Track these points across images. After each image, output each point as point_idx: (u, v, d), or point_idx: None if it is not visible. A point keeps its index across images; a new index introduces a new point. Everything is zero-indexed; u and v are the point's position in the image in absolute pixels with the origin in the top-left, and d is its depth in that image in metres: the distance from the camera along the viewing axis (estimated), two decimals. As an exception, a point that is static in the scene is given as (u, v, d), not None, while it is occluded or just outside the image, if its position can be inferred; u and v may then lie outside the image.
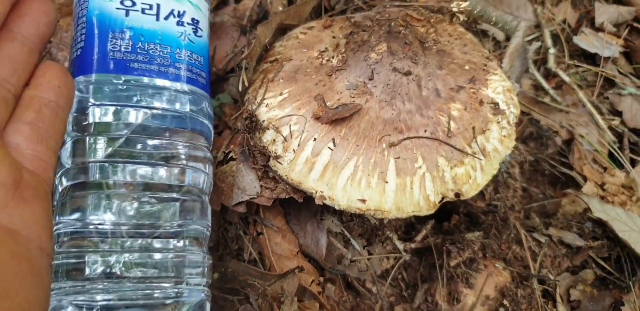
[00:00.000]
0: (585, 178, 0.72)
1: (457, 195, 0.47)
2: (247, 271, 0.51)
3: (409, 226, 0.63)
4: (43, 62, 0.42)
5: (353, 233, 0.57)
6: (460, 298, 0.58)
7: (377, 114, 0.46)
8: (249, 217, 0.54)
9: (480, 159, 0.47)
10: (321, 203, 0.46)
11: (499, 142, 0.49)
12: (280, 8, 0.58)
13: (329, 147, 0.45)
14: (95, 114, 0.44)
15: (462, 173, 0.47)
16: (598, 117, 0.80)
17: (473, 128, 0.47)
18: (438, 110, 0.47)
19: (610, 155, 0.77)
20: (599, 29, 0.91)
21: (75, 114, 0.44)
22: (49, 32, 0.42)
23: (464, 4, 0.52)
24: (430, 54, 0.48)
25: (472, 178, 0.47)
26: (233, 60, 0.57)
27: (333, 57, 0.49)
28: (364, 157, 0.45)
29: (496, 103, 0.49)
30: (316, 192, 0.46)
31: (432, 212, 0.47)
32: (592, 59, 0.88)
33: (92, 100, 0.44)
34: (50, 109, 0.39)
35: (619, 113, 0.82)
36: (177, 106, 0.46)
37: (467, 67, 0.49)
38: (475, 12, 0.57)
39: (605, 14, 0.91)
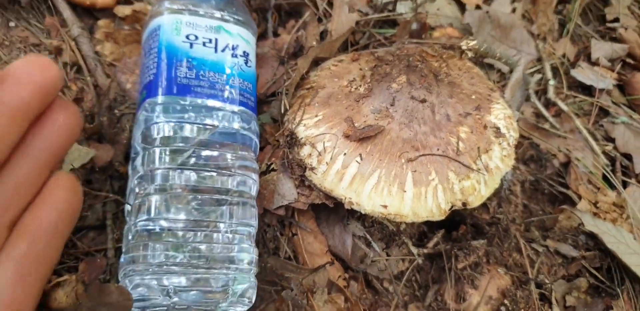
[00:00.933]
0: (580, 197, 0.80)
1: (464, 204, 0.56)
2: (284, 266, 0.60)
3: (422, 234, 0.72)
4: (55, 174, 0.38)
5: (374, 237, 0.65)
6: (466, 297, 0.66)
7: (397, 134, 0.55)
8: (285, 220, 0.63)
9: (484, 174, 0.56)
10: (349, 208, 0.54)
11: (500, 160, 0.57)
12: (314, 43, 0.68)
13: (356, 161, 0.54)
14: (162, 129, 0.53)
15: (468, 185, 0.55)
16: (593, 142, 0.88)
17: (478, 148, 0.56)
18: (449, 133, 0.56)
19: (604, 177, 0.85)
20: (595, 63, 1.00)
21: (144, 130, 0.54)
22: (68, 146, 0.39)
23: (472, 43, 0.61)
24: (443, 85, 0.58)
25: (477, 190, 0.56)
26: (273, 86, 0.67)
27: (360, 86, 0.58)
28: (386, 169, 0.54)
29: (498, 128, 0.58)
30: (345, 198, 0.54)
31: (443, 217, 0.55)
32: (588, 90, 0.97)
33: (161, 118, 0.54)
34: (45, 238, 0.36)
35: (612, 140, 0.91)
36: (231, 124, 0.55)
37: (473, 97, 0.59)
38: (482, 49, 0.66)
39: (600, 50, 1.01)
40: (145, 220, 0.50)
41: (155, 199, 0.51)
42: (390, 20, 0.78)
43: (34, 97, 0.36)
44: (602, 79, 0.97)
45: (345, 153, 0.55)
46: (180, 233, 0.49)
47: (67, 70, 0.64)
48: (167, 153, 0.52)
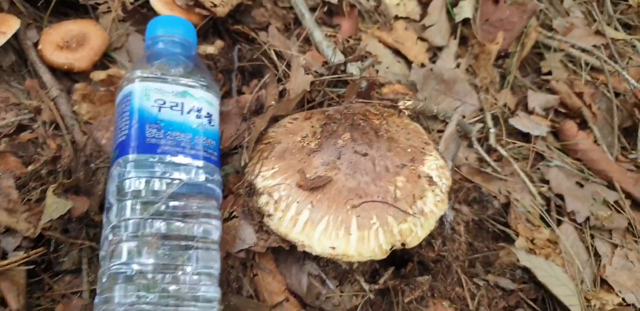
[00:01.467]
0: (518, 234, 0.88)
1: (403, 244, 0.63)
2: (246, 304, 0.66)
3: (374, 271, 0.78)
4: None
5: (329, 276, 0.72)
6: (413, 330, 0.72)
7: (344, 184, 0.63)
8: (247, 262, 0.69)
9: (420, 218, 0.64)
10: (302, 250, 0.61)
11: (434, 205, 0.66)
12: (273, 102, 0.77)
13: (308, 208, 0.62)
14: (134, 184, 0.60)
15: (406, 228, 0.63)
16: (530, 184, 0.98)
17: (413, 195, 0.64)
18: (387, 182, 0.64)
19: (541, 216, 0.95)
20: (531, 112, 1.11)
21: (117, 184, 0.60)
22: None
23: (408, 103, 0.71)
24: (382, 140, 0.67)
25: (414, 232, 0.64)
26: (236, 140, 0.75)
27: (311, 142, 0.67)
28: (334, 215, 0.61)
29: (431, 177, 0.66)
30: (298, 242, 0.62)
31: (384, 257, 0.63)
32: (526, 136, 1.08)
33: (133, 173, 0.60)
34: None
35: (547, 182, 1.01)
36: (196, 177, 0.62)
37: (409, 150, 0.68)
38: (418, 107, 0.76)
39: (536, 100, 1.13)
40: (118, 264, 0.56)
41: (127, 245, 0.57)
42: (343, 80, 0.87)
43: None
44: (537, 127, 1.08)
45: (298, 202, 0.62)
46: (150, 276, 0.56)
47: (46, 128, 0.70)
48: (139, 205, 0.58)
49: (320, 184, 0.62)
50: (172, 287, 0.56)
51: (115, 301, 0.54)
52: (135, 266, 0.56)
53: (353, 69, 0.88)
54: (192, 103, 0.66)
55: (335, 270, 0.74)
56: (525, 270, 0.84)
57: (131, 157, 0.61)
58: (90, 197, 0.67)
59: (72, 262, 0.63)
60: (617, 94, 1.20)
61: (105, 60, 0.81)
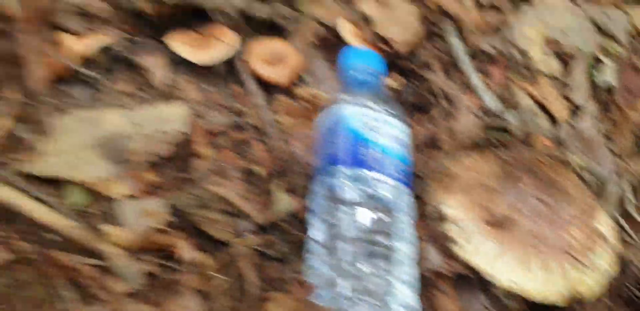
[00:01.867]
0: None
1: (580, 295, 0.67)
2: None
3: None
4: None
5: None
6: None
7: (525, 226, 0.68)
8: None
9: (593, 272, 0.68)
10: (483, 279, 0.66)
11: (605, 262, 0.70)
12: (444, 137, 0.83)
13: (493, 241, 0.67)
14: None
15: (580, 278, 0.67)
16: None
17: (588, 248, 0.68)
18: (564, 230, 0.69)
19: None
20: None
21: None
22: None
23: (578, 160, 0.76)
24: (555, 188, 0.72)
25: (587, 284, 0.67)
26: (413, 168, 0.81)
27: (492, 181, 0.72)
28: (519, 253, 0.66)
29: (602, 233, 0.70)
30: (482, 270, 0.66)
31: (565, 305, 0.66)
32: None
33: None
34: None
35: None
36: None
37: (578, 202, 0.72)
38: (585, 164, 0.81)
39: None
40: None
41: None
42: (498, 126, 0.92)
43: None
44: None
45: (484, 235, 0.67)
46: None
47: (249, 129, 0.79)
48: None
49: (506, 222, 0.67)
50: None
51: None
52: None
53: (509, 116, 0.93)
54: (392, 131, 0.72)
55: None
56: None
57: (342, 168, 0.67)
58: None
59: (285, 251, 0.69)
60: None
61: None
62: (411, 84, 0.97)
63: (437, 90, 0.96)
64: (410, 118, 0.93)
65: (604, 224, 0.72)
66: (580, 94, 1.15)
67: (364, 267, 0.62)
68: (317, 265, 0.63)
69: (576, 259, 0.67)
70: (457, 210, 0.70)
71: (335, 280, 0.61)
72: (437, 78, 0.99)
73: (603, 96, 1.18)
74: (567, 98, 1.14)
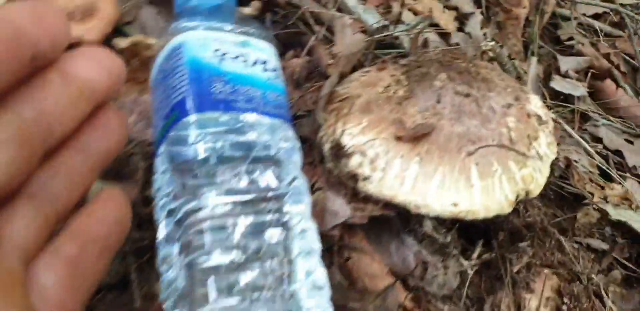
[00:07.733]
0: (592, 194, 0.81)
1: (527, 193, 0.54)
2: (344, 296, 0.54)
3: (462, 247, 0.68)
4: (105, 189, 0.34)
5: (428, 252, 0.61)
6: (524, 304, 0.62)
7: (451, 130, 0.53)
8: (334, 245, 0.57)
9: (538, 162, 0.55)
10: (416, 213, 0.51)
11: (547, 147, 0.57)
12: (331, 61, 0.67)
13: (415, 161, 0.51)
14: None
15: (527, 174, 0.54)
16: (585, 144, 0.91)
17: (528, 136, 0.55)
18: (498, 123, 0.55)
19: (602, 175, 0.87)
20: (565, 76, 1.06)
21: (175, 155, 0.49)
22: (114, 154, 0.34)
23: (489, 44, 0.63)
24: (478, 80, 0.58)
25: (534, 178, 0.54)
26: (292, 109, 0.64)
27: (399, 89, 0.57)
28: (449, 166, 0.51)
29: (539, 116, 0.57)
30: (410, 203, 0.51)
31: (510, 210, 0.53)
32: (564, 100, 1.02)
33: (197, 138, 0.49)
34: (95, 248, 0.31)
35: (598, 141, 0.95)
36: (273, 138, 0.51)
37: (509, 90, 0.59)
38: (498, 50, 0.68)
39: (567, 63, 1.08)
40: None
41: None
42: (386, 43, 0.79)
43: (102, 79, 0.30)
44: (576, 88, 1.02)
45: (401, 156, 0.52)
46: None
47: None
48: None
49: (424, 132, 0.52)
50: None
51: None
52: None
53: (397, 33, 0.79)
54: (256, 55, 0.55)
55: (432, 245, 0.63)
56: (615, 226, 0.76)
57: (194, 116, 0.49)
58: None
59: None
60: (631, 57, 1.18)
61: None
62: (279, 12, 0.81)
63: (309, 17, 0.80)
64: (283, 54, 0.77)
65: (540, 106, 0.59)
66: (466, 1, 1.05)
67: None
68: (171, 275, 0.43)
69: (520, 153, 0.53)
70: (363, 136, 0.54)
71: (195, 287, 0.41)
72: (309, 4, 0.83)
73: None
74: (452, 9, 1.03)
